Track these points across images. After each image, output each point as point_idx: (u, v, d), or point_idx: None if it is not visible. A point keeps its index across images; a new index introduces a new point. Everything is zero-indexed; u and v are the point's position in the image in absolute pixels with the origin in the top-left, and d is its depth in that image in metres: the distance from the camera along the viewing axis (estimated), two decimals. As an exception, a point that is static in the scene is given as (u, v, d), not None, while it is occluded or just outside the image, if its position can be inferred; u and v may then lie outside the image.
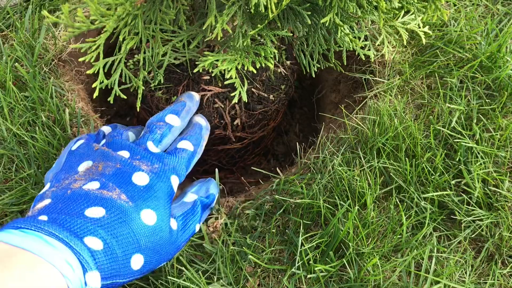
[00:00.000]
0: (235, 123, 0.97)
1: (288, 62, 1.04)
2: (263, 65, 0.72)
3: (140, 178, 0.66)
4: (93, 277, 0.54)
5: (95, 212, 0.58)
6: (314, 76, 0.96)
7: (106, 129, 0.80)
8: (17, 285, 0.47)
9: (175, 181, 0.72)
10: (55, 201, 0.60)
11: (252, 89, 0.98)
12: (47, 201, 0.61)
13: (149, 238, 0.62)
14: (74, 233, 0.55)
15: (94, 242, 0.55)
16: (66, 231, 0.54)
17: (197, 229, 0.76)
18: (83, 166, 0.68)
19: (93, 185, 0.63)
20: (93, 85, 0.68)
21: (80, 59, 0.68)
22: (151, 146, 0.73)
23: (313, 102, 1.26)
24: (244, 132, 1.03)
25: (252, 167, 1.04)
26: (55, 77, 0.98)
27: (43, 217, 0.56)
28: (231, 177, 1.20)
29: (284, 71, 1.03)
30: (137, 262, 0.60)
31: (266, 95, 0.99)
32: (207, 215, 0.83)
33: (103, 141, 0.75)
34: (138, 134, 0.80)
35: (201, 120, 0.84)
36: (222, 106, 0.95)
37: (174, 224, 0.69)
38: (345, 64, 0.92)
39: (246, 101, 0.88)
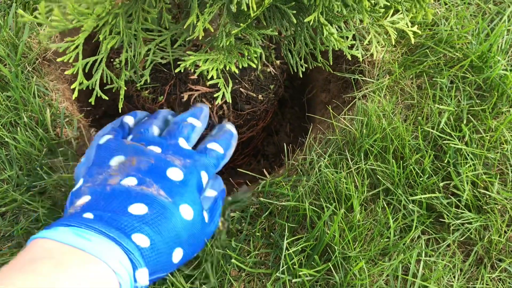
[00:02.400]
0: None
1: (278, 62, 1.03)
2: (246, 66, 0.71)
3: (175, 174, 0.67)
4: (142, 274, 0.55)
5: (138, 209, 0.59)
6: (302, 76, 0.94)
7: (129, 119, 0.80)
8: (72, 283, 0.47)
9: (204, 177, 0.72)
10: (96, 198, 0.61)
11: (240, 88, 0.96)
12: (86, 198, 0.61)
13: (188, 232, 0.63)
14: (122, 230, 0.56)
15: (141, 239, 0.56)
16: (114, 229, 0.55)
17: (220, 223, 0.78)
18: (115, 161, 0.68)
19: (131, 181, 0.63)
20: (72, 86, 0.66)
21: (59, 59, 0.66)
22: (182, 142, 0.74)
23: (304, 102, 1.24)
24: None
25: (238, 169, 1.03)
26: (39, 76, 0.96)
27: (89, 215, 0.57)
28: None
29: (274, 70, 1.01)
30: (177, 255, 0.62)
31: (254, 95, 0.97)
32: None
33: (130, 137, 0.75)
34: (161, 126, 0.80)
35: (231, 128, 0.86)
36: (210, 106, 0.94)
37: (206, 216, 0.70)
38: (331, 64, 0.90)
39: (230, 101, 0.86)
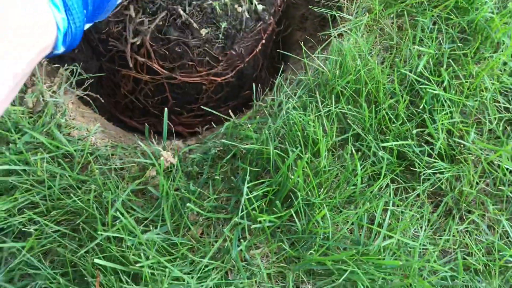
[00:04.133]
0: (135, 39, 0.80)
1: (260, 7, 0.85)
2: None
3: None
4: None
5: None
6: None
7: None
8: None
9: None
10: None
11: (180, 10, 0.80)
12: None
13: None
14: None
15: None
16: None
17: None
18: None
19: None
20: None
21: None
22: None
23: (279, 41, 1.17)
24: (151, 60, 0.84)
25: (183, 110, 0.91)
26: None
27: None
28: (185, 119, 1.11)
29: (247, 13, 0.84)
30: None
31: (196, 26, 0.80)
32: None
33: None
34: None
35: None
36: (133, 15, 0.78)
37: None
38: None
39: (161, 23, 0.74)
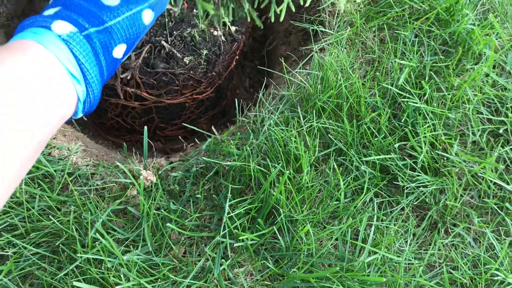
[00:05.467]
0: (124, 75, 0.85)
1: (234, 28, 0.90)
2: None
3: None
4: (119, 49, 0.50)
5: None
6: (263, 27, 0.86)
7: None
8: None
9: None
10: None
11: (163, 41, 0.84)
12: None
13: None
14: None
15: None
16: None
17: None
18: None
19: None
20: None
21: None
22: None
23: (264, 55, 1.17)
24: (140, 89, 0.89)
25: (167, 125, 0.93)
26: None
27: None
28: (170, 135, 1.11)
29: (222, 37, 0.89)
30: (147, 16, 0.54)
31: (179, 55, 0.85)
32: None
33: None
34: None
35: None
36: None
37: None
38: (293, 12, 0.82)
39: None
